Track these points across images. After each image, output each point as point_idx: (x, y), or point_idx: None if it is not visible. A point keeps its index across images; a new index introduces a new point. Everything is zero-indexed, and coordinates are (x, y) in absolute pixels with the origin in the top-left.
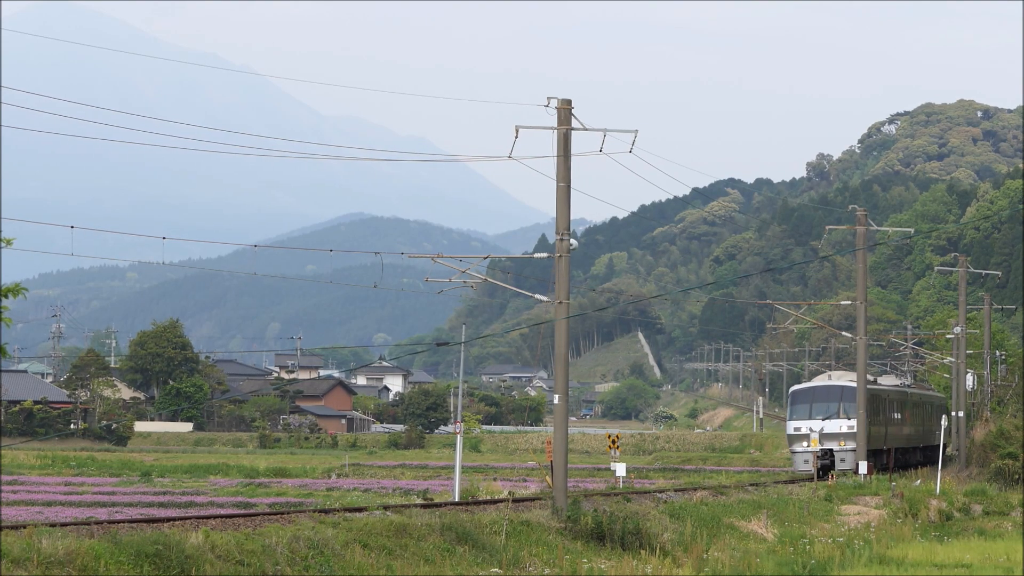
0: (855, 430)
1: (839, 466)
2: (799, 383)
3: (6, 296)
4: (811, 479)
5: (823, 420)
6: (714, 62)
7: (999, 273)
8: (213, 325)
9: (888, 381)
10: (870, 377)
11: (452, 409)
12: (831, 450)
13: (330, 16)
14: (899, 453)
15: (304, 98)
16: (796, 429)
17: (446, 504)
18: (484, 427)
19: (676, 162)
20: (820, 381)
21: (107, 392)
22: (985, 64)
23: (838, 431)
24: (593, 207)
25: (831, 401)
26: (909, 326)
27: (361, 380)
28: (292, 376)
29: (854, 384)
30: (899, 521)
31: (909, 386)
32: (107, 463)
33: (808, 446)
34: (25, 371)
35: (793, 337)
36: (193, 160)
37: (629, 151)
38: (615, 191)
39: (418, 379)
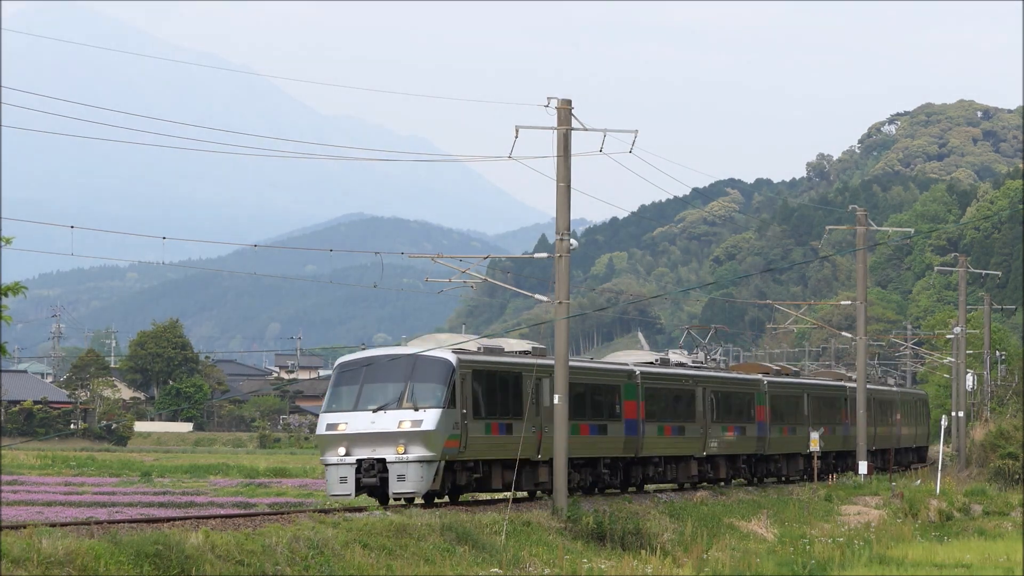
0: (426, 427)
1: (397, 487)
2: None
3: (6, 295)
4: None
5: (375, 412)
6: (714, 62)
7: (999, 273)
8: (213, 325)
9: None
10: (671, 356)
11: None
12: (383, 460)
13: (330, 16)
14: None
15: (304, 98)
16: (331, 427)
17: (446, 504)
18: None
19: (676, 162)
20: (388, 350)
21: (107, 392)
22: (985, 64)
23: (395, 430)
24: (593, 207)
25: (395, 381)
26: (909, 326)
27: None
28: (292, 376)
29: (437, 354)
30: (899, 521)
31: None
32: (107, 463)
33: (344, 454)
34: (25, 371)
35: (793, 337)
36: (193, 160)
37: (629, 151)
38: (615, 191)
39: None
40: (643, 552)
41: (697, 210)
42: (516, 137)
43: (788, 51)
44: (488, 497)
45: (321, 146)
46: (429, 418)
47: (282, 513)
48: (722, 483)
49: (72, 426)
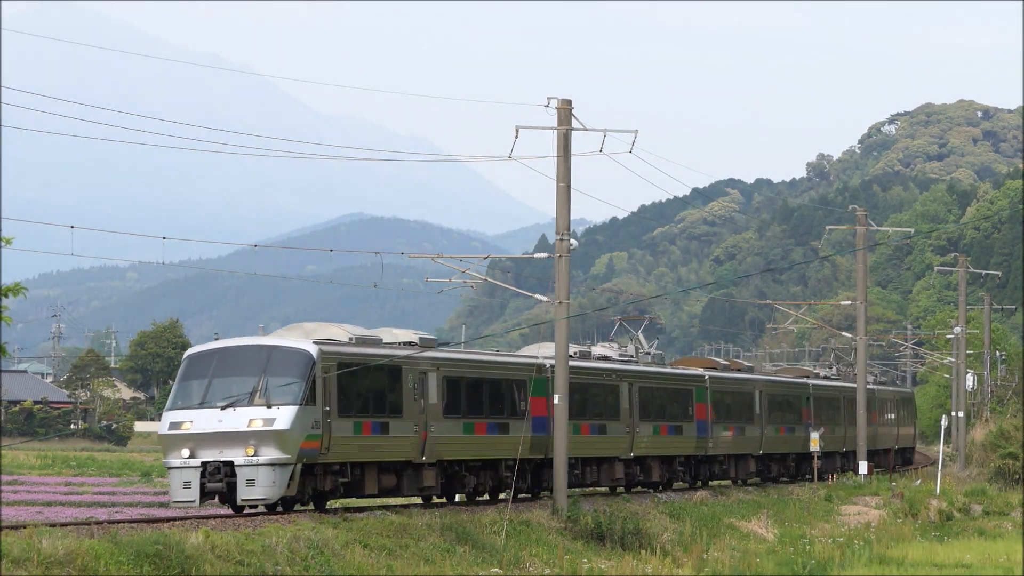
0: (279, 426)
1: (246, 493)
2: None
3: (6, 296)
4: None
5: (223, 409)
6: (714, 62)
7: (999, 273)
8: (213, 325)
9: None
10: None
11: None
12: (231, 463)
13: (330, 16)
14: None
15: (304, 98)
16: (174, 426)
17: (446, 504)
18: None
19: (676, 162)
20: (244, 340)
21: (107, 392)
22: (985, 64)
23: (245, 429)
24: (593, 207)
25: (247, 375)
26: (909, 326)
27: None
28: None
29: (296, 345)
30: (899, 521)
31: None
32: (107, 463)
33: (189, 456)
34: (25, 371)
35: (793, 337)
36: (193, 160)
37: (629, 151)
38: (615, 191)
39: None
40: (643, 552)
41: (697, 210)
42: (516, 137)
43: (788, 51)
44: (367, 503)
45: (321, 146)
46: (283, 416)
47: (282, 513)
48: (660, 487)
49: (72, 426)
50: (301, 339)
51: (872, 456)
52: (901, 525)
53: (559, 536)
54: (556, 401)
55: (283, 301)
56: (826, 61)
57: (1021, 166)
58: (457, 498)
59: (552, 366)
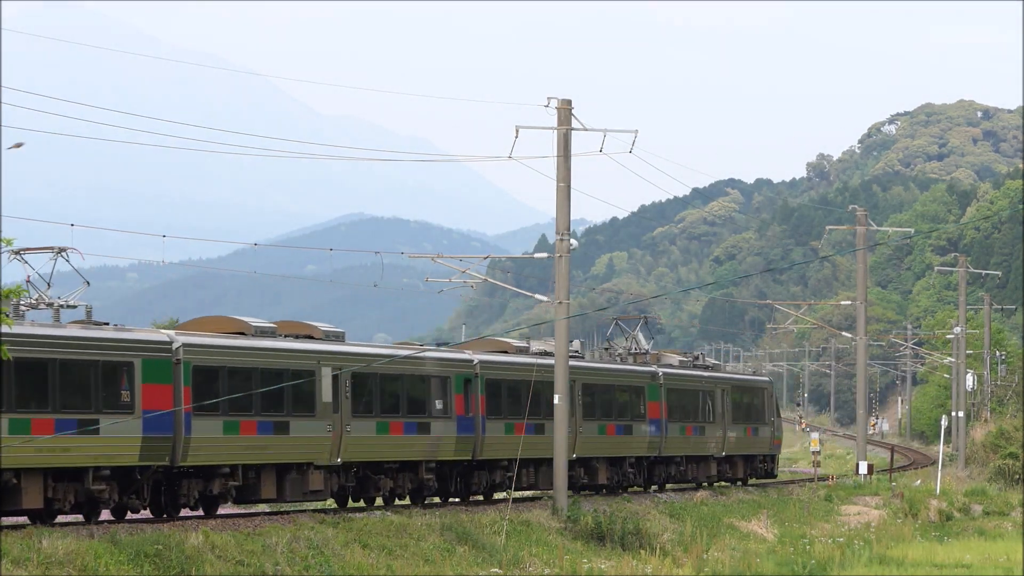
0: None
1: None
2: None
3: (6, 297)
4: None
5: None
6: (714, 62)
7: (999, 273)
8: None
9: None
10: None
11: None
12: None
13: (330, 16)
14: None
15: (304, 98)
16: None
17: (446, 504)
18: None
19: (676, 162)
20: None
21: None
22: (985, 64)
23: None
24: (593, 207)
25: None
26: (909, 326)
27: None
28: None
29: None
30: (899, 521)
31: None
32: None
33: None
34: None
35: (793, 337)
36: (193, 159)
37: (629, 151)
38: (615, 191)
39: None
40: (643, 552)
41: (697, 210)
42: (516, 137)
43: (788, 51)
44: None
45: (321, 146)
46: None
47: (282, 513)
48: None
49: None
50: None
51: (663, 465)
52: (901, 525)
53: (559, 536)
54: (556, 401)
55: (283, 301)
56: (826, 61)
57: (1021, 166)
58: None
59: (183, 347)
